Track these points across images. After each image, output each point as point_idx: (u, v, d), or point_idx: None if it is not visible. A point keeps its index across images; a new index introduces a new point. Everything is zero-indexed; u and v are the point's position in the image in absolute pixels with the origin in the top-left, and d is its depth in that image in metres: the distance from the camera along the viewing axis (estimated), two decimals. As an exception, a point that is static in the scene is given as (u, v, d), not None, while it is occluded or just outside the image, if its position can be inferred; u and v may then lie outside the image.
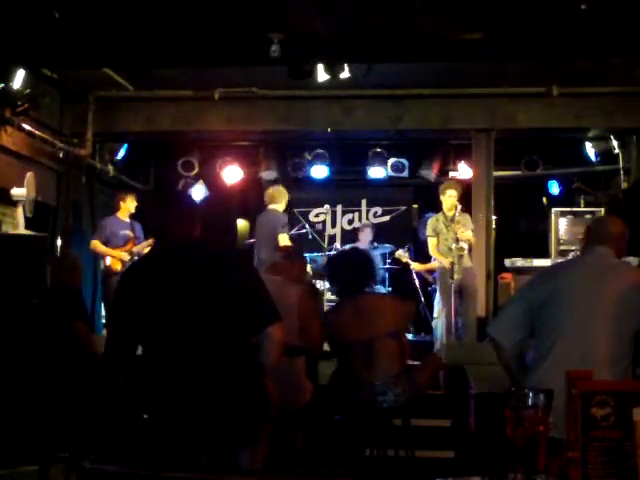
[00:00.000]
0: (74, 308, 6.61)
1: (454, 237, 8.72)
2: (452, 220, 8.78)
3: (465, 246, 8.67)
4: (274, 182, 11.41)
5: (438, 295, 9.55)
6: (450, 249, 8.72)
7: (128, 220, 9.31)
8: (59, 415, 5.81)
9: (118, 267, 8.96)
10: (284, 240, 8.71)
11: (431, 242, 9.04)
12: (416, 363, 6.12)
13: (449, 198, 8.86)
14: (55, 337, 6.42)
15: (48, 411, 6.03)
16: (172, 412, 3.44)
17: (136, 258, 9.07)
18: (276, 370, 3.74)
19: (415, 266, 9.83)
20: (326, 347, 5.53)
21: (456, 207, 8.78)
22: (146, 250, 9.18)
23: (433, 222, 9.01)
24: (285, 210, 9.31)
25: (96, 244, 9.13)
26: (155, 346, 3.51)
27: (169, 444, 3.42)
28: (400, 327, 5.35)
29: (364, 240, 10.71)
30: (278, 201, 9.11)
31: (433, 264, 9.49)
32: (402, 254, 9.91)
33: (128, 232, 9.21)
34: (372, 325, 5.15)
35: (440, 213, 8.97)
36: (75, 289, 6.89)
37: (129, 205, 9.31)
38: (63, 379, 6.03)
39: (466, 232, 8.71)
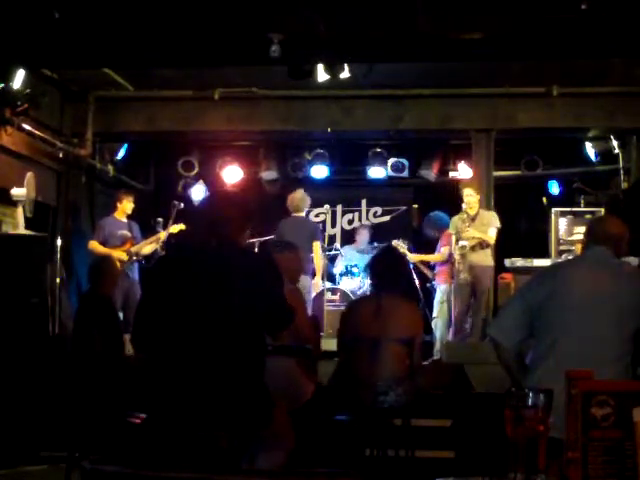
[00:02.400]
0: (108, 317, 6.56)
1: (473, 235, 8.76)
2: (473, 219, 8.82)
3: (466, 244, 8.68)
4: (274, 182, 11.46)
5: (438, 294, 9.56)
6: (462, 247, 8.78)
7: (125, 220, 9.27)
8: (68, 414, 5.81)
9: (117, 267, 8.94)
10: (318, 248, 9.03)
11: (453, 239, 9.09)
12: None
13: (466, 197, 8.89)
14: (85, 345, 6.39)
15: (51, 410, 6.04)
16: (174, 411, 3.44)
17: (134, 258, 9.07)
18: (276, 370, 3.74)
19: (411, 257, 9.74)
20: (332, 347, 5.53)
21: (473, 206, 8.85)
22: (145, 249, 9.18)
23: (455, 220, 9.03)
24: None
25: (94, 245, 9.09)
26: (167, 341, 3.49)
27: (170, 443, 3.42)
28: (413, 336, 5.28)
29: (361, 241, 10.72)
30: (303, 208, 9.33)
31: (430, 256, 9.56)
32: (399, 243, 9.69)
33: (125, 232, 9.17)
34: (386, 326, 5.13)
35: (462, 212, 8.99)
36: (108, 296, 6.86)
37: (125, 206, 9.25)
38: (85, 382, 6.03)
39: (471, 231, 8.74)
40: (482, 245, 8.82)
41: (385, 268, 5.43)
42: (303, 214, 9.43)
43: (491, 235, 8.88)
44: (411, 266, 9.69)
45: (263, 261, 3.91)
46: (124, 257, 8.98)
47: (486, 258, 8.92)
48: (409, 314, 5.31)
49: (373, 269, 5.55)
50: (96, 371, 6.07)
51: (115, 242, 9.07)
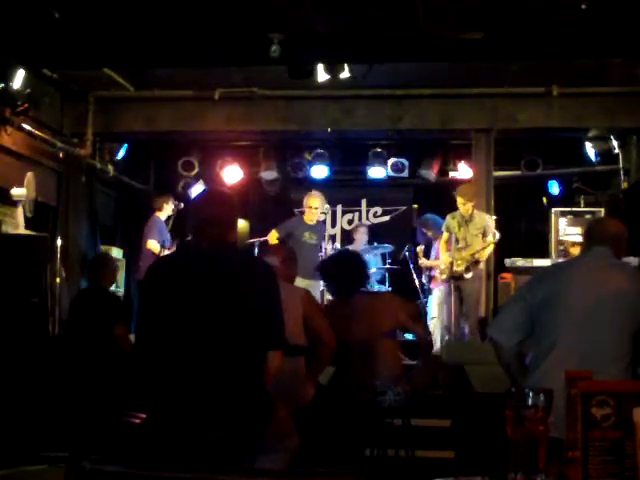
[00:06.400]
0: (114, 309, 6.57)
1: (466, 236, 8.74)
2: (467, 222, 8.80)
3: (460, 269, 8.71)
4: (274, 182, 11.46)
5: (436, 295, 9.55)
6: (458, 249, 8.74)
7: None
8: (68, 414, 5.81)
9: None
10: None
11: (443, 237, 9.06)
12: (415, 362, 6.12)
13: (458, 204, 8.85)
14: (93, 338, 6.38)
15: (51, 410, 6.03)
16: (174, 411, 3.44)
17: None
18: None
19: (424, 262, 9.75)
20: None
21: (467, 210, 8.84)
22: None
23: (449, 219, 9.00)
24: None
25: (155, 246, 9.16)
26: (167, 344, 3.49)
27: (170, 443, 3.42)
28: (401, 324, 5.29)
29: (359, 241, 10.70)
30: (306, 210, 9.47)
31: (438, 262, 9.53)
32: (420, 249, 9.78)
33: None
34: (368, 326, 5.12)
35: (457, 212, 8.95)
36: (108, 289, 6.89)
37: (170, 208, 9.45)
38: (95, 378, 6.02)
39: (485, 252, 8.74)
40: (474, 263, 8.81)
41: (349, 271, 5.40)
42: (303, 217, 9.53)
43: (491, 239, 8.83)
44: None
45: (260, 263, 3.91)
46: None
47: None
48: (385, 304, 5.30)
49: (336, 274, 5.47)
50: (95, 367, 6.07)
51: (167, 244, 9.20)
